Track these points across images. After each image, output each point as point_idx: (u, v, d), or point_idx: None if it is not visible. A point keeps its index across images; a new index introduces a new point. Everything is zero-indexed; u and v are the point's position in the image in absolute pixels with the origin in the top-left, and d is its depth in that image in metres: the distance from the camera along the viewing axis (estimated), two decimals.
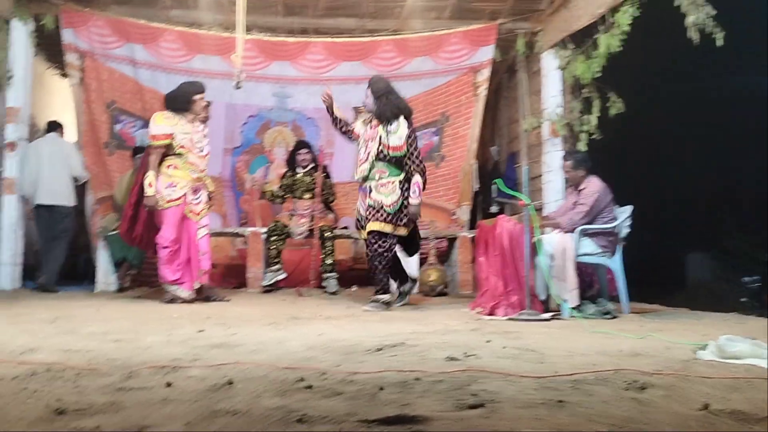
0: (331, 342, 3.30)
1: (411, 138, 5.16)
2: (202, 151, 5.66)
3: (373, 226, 5.15)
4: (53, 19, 6.99)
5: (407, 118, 5.17)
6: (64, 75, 7.44)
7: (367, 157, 5.25)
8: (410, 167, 5.16)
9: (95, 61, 7.31)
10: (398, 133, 5.11)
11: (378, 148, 5.19)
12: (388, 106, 5.17)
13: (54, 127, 7.01)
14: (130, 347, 3.08)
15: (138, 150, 6.91)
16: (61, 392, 2.07)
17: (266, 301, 5.73)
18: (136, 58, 7.44)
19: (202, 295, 5.61)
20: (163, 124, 5.47)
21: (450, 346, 3.14)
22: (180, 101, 5.56)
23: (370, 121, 5.31)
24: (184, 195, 5.53)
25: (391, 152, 5.14)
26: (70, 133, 7.48)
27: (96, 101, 7.36)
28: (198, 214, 5.63)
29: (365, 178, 5.28)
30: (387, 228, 5.14)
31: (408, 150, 5.13)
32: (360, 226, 5.42)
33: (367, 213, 5.22)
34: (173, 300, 5.46)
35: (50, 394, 2.04)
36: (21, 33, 6.93)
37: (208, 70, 7.57)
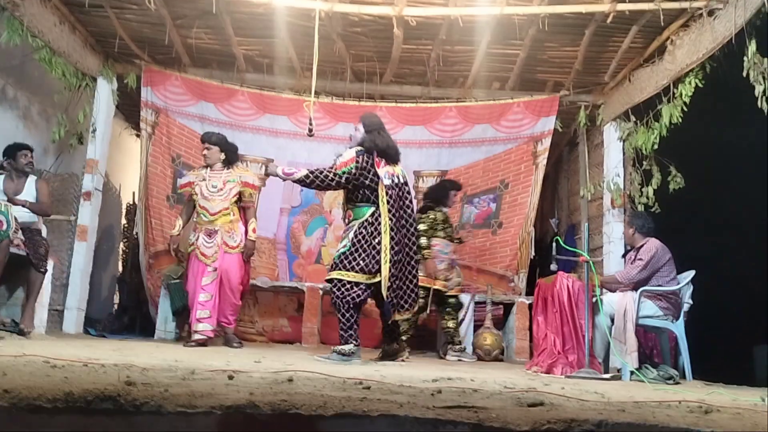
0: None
1: (351, 165, 4.79)
2: (217, 192, 5.73)
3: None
4: (135, 78, 7.41)
5: (368, 151, 4.87)
6: (138, 135, 7.78)
7: None
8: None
9: (167, 117, 7.61)
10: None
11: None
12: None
13: None
14: (192, 366, 3.14)
15: None
16: (129, 372, 2.13)
17: None
18: (206, 116, 7.69)
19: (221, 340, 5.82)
20: (187, 174, 5.99)
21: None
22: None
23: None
24: (197, 239, 5.72)
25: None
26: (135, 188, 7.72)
27: (163, 155, 7.62)
28: (208, 257, 5.66)
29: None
30: (332, 274, 4.73)
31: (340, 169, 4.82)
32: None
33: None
34: (188, 342, 5.62)
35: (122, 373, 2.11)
36: (105, 90, 7.35)
37: (274, 128, 7.82)
